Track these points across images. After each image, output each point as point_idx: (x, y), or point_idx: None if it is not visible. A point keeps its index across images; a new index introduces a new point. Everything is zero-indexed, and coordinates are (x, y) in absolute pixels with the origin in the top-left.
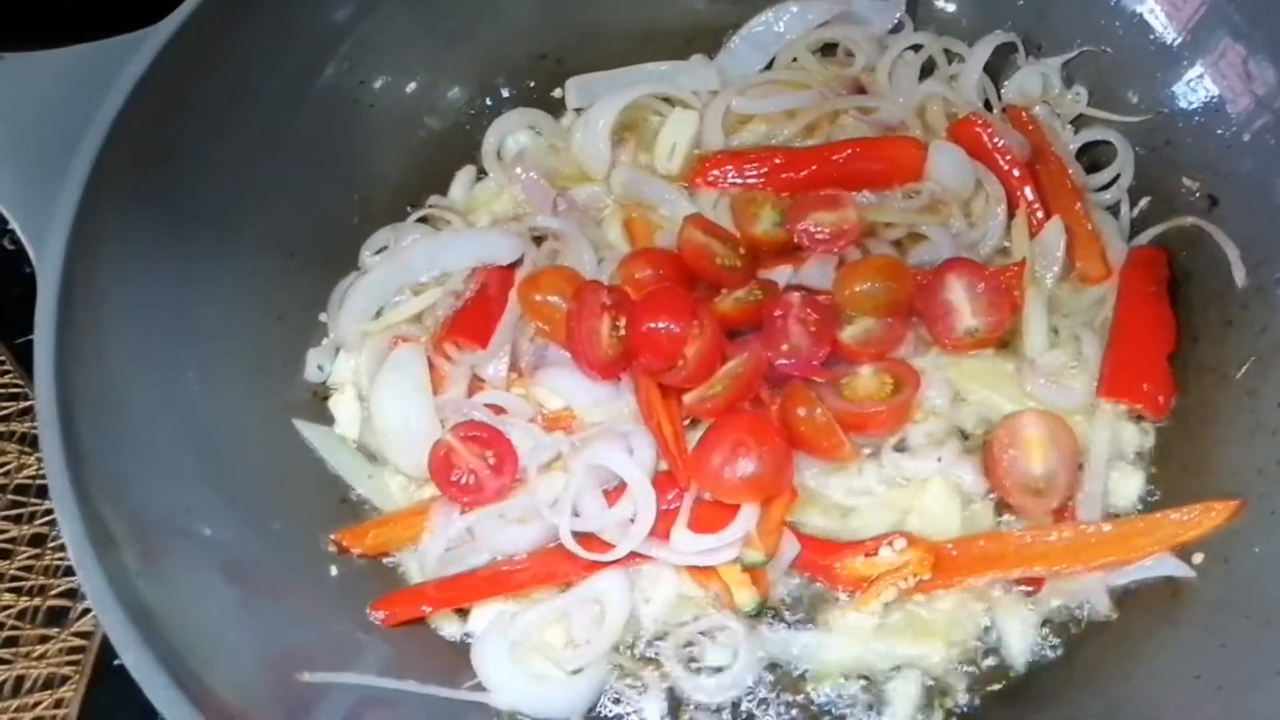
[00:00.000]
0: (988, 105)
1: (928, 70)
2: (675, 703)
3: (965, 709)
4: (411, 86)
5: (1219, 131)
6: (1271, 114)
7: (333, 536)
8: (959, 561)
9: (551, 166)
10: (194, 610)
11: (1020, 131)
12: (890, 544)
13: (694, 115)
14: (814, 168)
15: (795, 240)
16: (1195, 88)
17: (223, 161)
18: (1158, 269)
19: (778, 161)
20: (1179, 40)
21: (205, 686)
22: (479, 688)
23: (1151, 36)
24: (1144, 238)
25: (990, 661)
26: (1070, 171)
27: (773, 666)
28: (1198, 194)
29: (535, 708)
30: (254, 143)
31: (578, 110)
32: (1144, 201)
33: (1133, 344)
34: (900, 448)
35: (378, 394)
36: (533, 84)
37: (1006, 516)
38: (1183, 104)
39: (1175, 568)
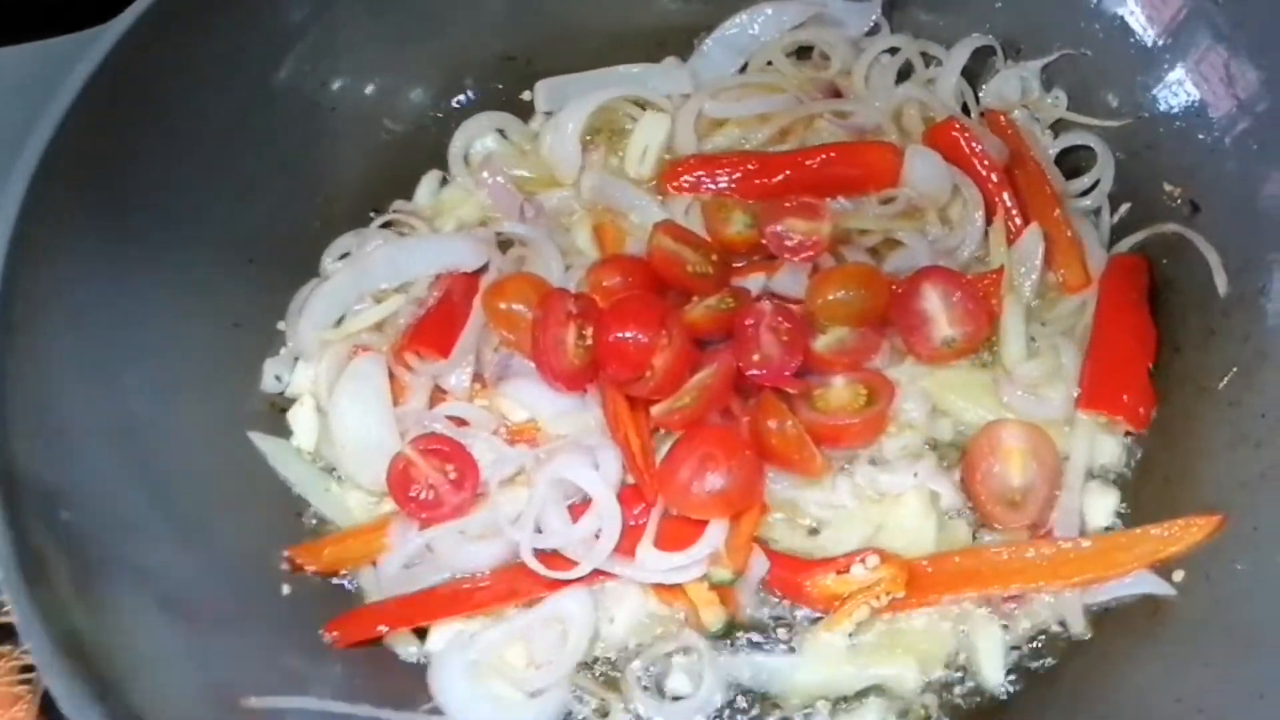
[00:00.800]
0: (965, 110)
1: (905, 74)
2: None
3: None
4: (371, 88)
5: (1200, 136)
6: (1253, 118)
7: (286, 553)
8: (934, 579)
9: (520, 171)
10: (132, 638)
11: (998, 136)
12: (863, 561)
13: (666, 119)
14: (788, 173)
15: (767, 244)
16: (1176, 91)
17: (176, 165)
18: (1138, 277)
19: (751, 166)
20: (1160, 42)
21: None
22: (436, 711)
23: (1132, 39)
24: (1124, 245)
25: (965, 685)
26: (1049, 177)
27: (741, 690)
28: (1179, 200)
29: None
30: (209, 146)
31: (547, 113)
32: (1124, 208)
33: (1113, 354)
34: (874, 461)
35: (336, 405)
36: (501, 86)
37: (983, 534)
38: (1164, 107)
39: (1155, 585)
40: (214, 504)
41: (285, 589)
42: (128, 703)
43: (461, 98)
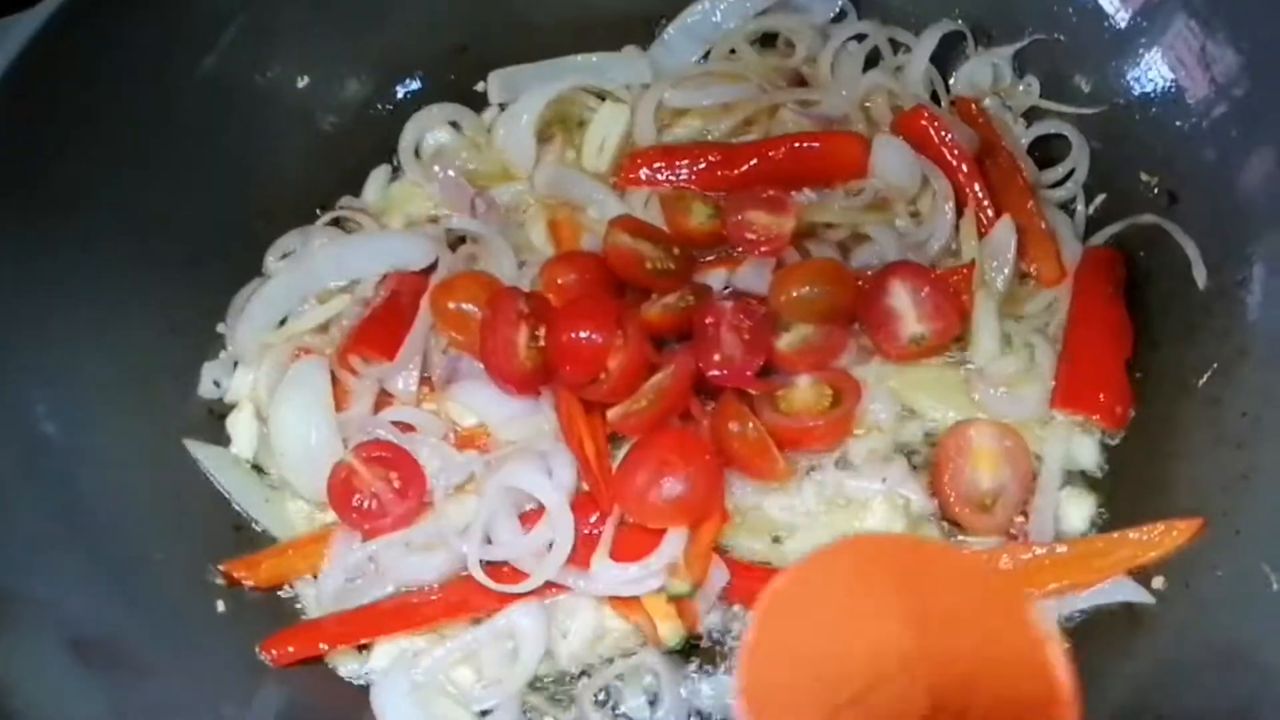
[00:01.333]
0: (935, 98)
1: (872, 61)
2: None
3: None
4: (306, 79)
5: (1178, 123)
6: (1231, 102)
7: (220, 567)
8: None
9: (472, 165)
10: (43, 680)
11: (969, 125)
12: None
13: (625, 110)
14: (751, 163)
15: (729, 235)
16: (1151, 74)
17: (101, 160)
18: (1115, 270)
19: (713, 158)
20: (1133, 25)
21: None
22: None
23: (1105, 22)
24: (1100, 237)
25: None
26: (1022, 167)
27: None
28: (1156, 190)
29: None
30: (137, 139)
31: (501, 105)
32: (1100, 199)
33: (1088, 351)
34: (841, 465)
35: (276, 411)
36: (453, 77)
37: (957, 537)
38: (1139, 93)
39: (1134, 593)
40: (142, 522)
41: (220, 606)
42: None
43: (412, 88)
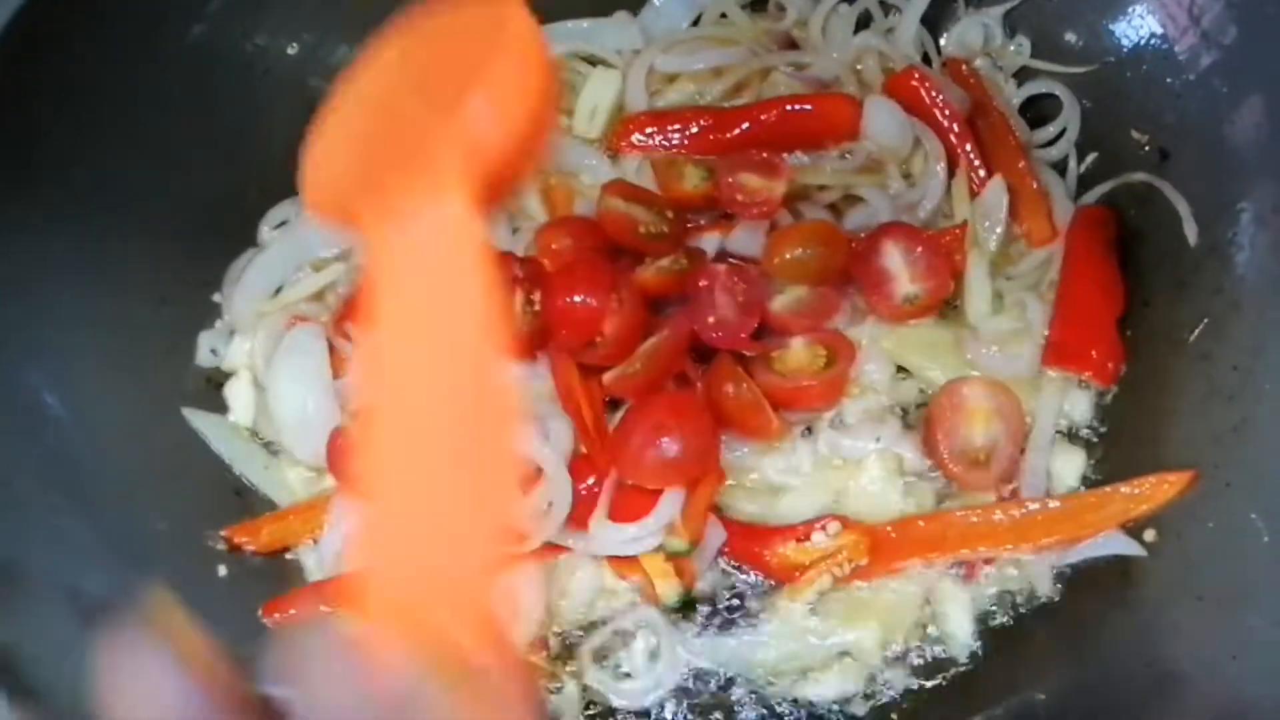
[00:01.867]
0: (926, 59)
1: (863, 23)
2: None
3: (902, 699)
4: (294, 48)
5: (1168, 79)
6: (1220, 50)
7: (223, 533)
8: (898, 544)
9: None
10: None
11: (961, 86)
12: (823, 528)
13: (616, 75)
14: (744, 127)
15: (721, 198)
16: (1139, 26)
17: (92, 133)
18: (1106, 228)
19: (705, 122)
20: None
21: None
22: None
23: None
24: (1092, 196)
25: (933, 650)
26: (1013, 127)
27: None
28: (1147, 147)
29: None
30: (127, 109)
31: None
32: (1091, 158)
33: (1080, 309)
34: (836, 425)
35: (273, 379)
36: None
37: (948, 503)
38: (1128, 46)
39: (1125, 545)
40: (143, 489)
41: (222, 570)
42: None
43: None
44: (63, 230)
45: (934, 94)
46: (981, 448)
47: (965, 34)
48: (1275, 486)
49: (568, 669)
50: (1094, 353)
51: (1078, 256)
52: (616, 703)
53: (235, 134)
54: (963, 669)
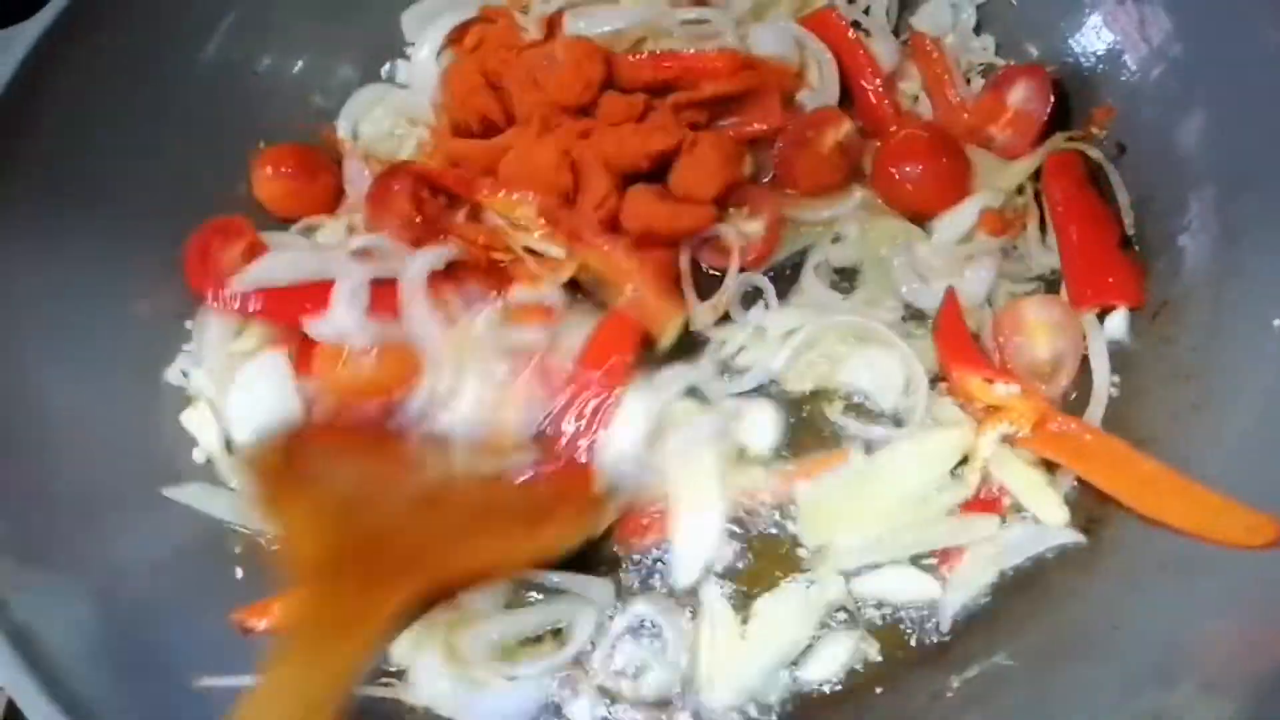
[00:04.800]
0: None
1: None
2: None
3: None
4: (299, 66)
5: (1123, 78)
6: (1167, 62)
7: (235, 616)
8: (1054, 438)
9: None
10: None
11: (922, 60)
12: (1007, 383)
13: None
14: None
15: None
16: (1096, 38)
17: (107, 158)
18: (1076, 169)
19: None
20: None
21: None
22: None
23: None
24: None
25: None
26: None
27: None
28: (1105, 140)
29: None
30: (139, 136)
31: None
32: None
33: (1082, 245)
34: None
35: (232, 409)
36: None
37: None
38: (1084, 55)
39: (1070, 536)
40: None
41: (239, 573)
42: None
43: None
44: (77, 252)
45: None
46: (1047, 360)
47: (936, 13)
48: (1232, 461)
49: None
50: (1110, 279)
51: (1060, 199)
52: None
53: (239, 153)
54: (935, 643)
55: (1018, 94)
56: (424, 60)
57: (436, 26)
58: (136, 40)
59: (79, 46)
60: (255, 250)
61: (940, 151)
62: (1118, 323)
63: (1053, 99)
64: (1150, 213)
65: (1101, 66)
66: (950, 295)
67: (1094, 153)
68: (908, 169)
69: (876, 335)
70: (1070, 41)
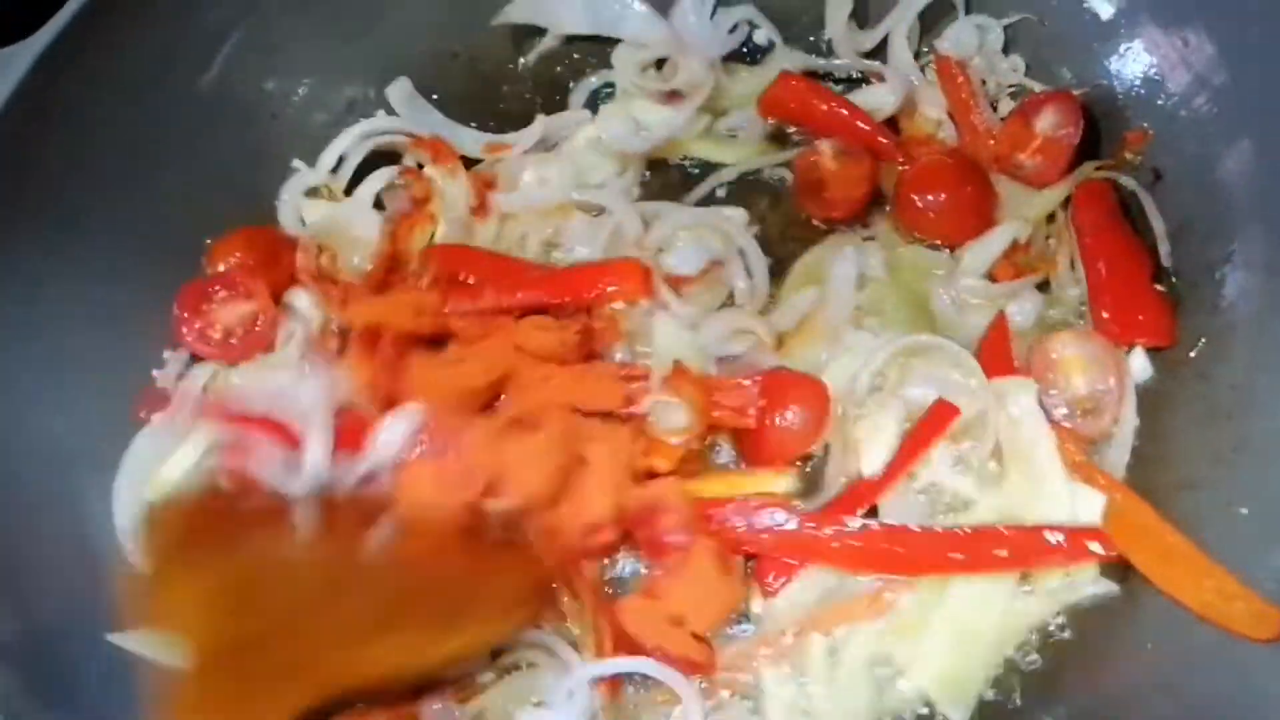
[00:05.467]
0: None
1: None
2: None
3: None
4: (303, 89)
5: (1160, 103)
6: (1211, 91)
7: None
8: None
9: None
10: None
11: (947, 84)
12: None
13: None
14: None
15: None
16: (1134, 61)
17: (107, 181)
18: (1106, 199)
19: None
20: (1115, 17)
21: None
22: None
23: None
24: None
25: None
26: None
27: None
28: (1141, 166)
29: None
30: (139, 159)
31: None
32: (1089, 165)
33: (1110, 280)
34: None
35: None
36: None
37: None
38: (1121, 77)
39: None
40: None
41: None
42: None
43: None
44: (72, 279)
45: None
46: (1086, 397)
47: (961, 35)
48: (1275, 505)
49: None
50: (1141, 317)
51: (1089, 231)
52: None
53: (243, 179)
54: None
55: (1046, 120)
56: (363, 204)
57: (369, 181)
58: (136, 62)
59: (78, 67)
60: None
61: (965, 179)
62: (1141, 365)
63: (1083, 125)
64: (1187, 243)
65: (1138, 91)
66: (1000, 319)
67: (1128, 182)
68: (930, 198)
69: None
70: (1105, 64)
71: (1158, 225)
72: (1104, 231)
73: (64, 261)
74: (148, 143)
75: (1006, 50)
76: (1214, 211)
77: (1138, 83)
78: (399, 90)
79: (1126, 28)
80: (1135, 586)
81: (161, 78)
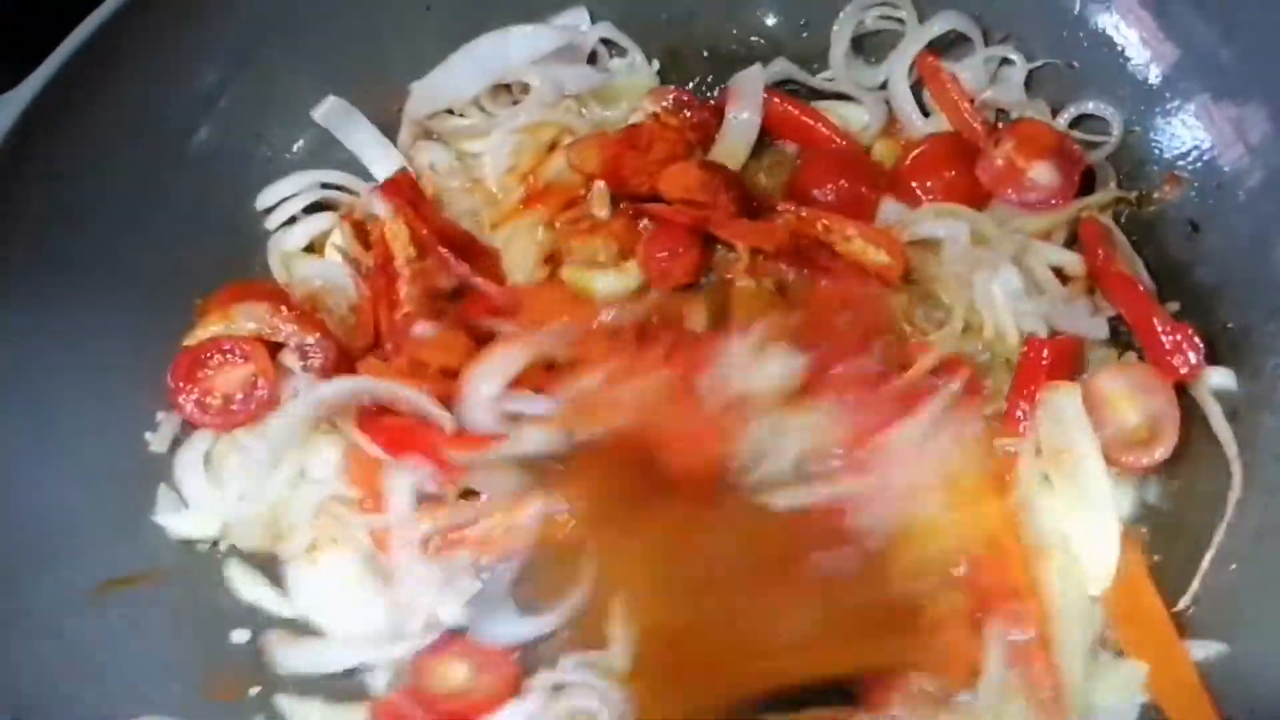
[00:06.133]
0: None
1: None
2: None
3: None
4: (300, 143)
5: (1197, 164)
6: (1264, 164)
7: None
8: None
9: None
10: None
11: (933, 85)
12: None
13: None
14: None
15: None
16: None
17: (96, 233)
18: (1108, 238)
19: None
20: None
21: None
22: None
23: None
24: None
25: None
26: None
27: None
28: (1173, 208)
29: None
30: (132, 212)
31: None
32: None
33: (1132, 319)
34: None
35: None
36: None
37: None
38: (1167, 151)
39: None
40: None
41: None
42: None
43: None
44: (63, 328)
45: None
46: (1141, 426)
47: (975, 68)
48: None
49: None
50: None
51: (1097, 274)
52: None
53: (246, 231)
54: None
55: (1040, 172)
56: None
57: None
58: (128, 112)
59: (66, 119)
60: (266, 374)
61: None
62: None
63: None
64: (1229, 300)
65: (1176, 151)
66: (1033, 344)
67: (1105, 220)
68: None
69: None
70: (1147, 124)
71: (1144, 277)
72: (1104, 274)
73: (52, 315)
74: (141, 196)
75: (1029, 85)
76: (1254, 269)
77: (1181, 149)
78: (327, 108)
79: (1173, 95)
80: None
81: (152, 130)
